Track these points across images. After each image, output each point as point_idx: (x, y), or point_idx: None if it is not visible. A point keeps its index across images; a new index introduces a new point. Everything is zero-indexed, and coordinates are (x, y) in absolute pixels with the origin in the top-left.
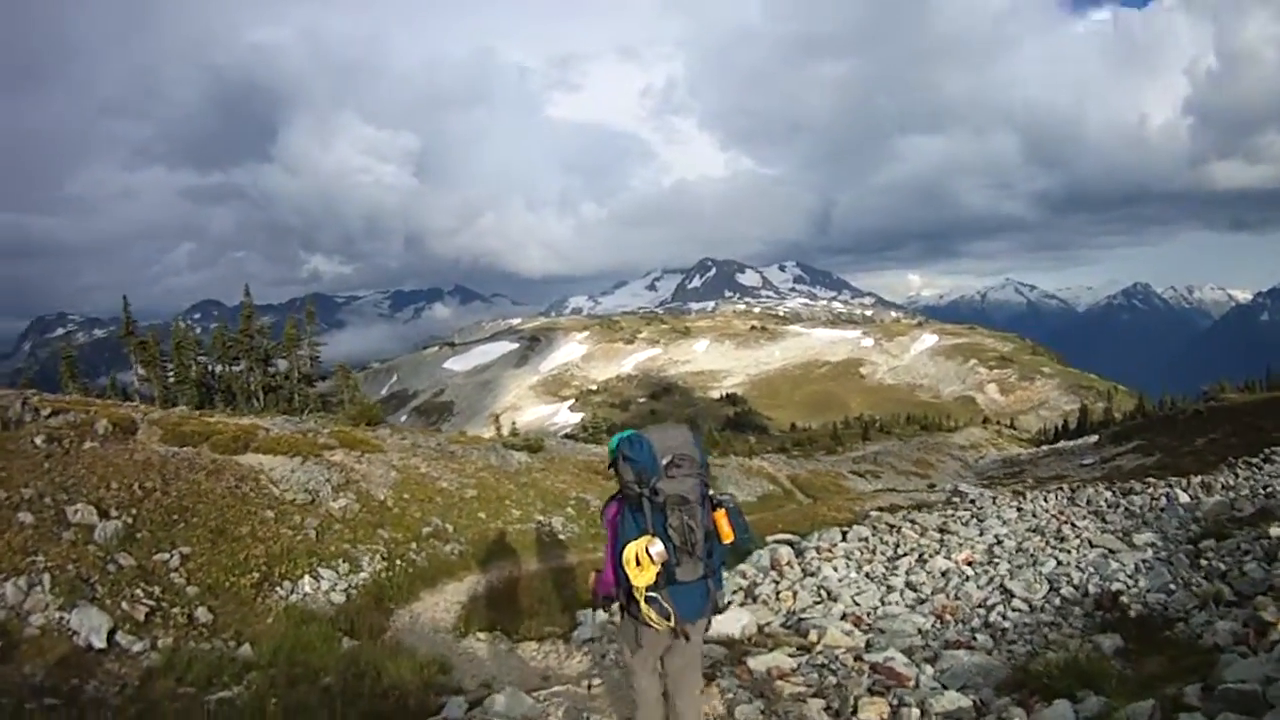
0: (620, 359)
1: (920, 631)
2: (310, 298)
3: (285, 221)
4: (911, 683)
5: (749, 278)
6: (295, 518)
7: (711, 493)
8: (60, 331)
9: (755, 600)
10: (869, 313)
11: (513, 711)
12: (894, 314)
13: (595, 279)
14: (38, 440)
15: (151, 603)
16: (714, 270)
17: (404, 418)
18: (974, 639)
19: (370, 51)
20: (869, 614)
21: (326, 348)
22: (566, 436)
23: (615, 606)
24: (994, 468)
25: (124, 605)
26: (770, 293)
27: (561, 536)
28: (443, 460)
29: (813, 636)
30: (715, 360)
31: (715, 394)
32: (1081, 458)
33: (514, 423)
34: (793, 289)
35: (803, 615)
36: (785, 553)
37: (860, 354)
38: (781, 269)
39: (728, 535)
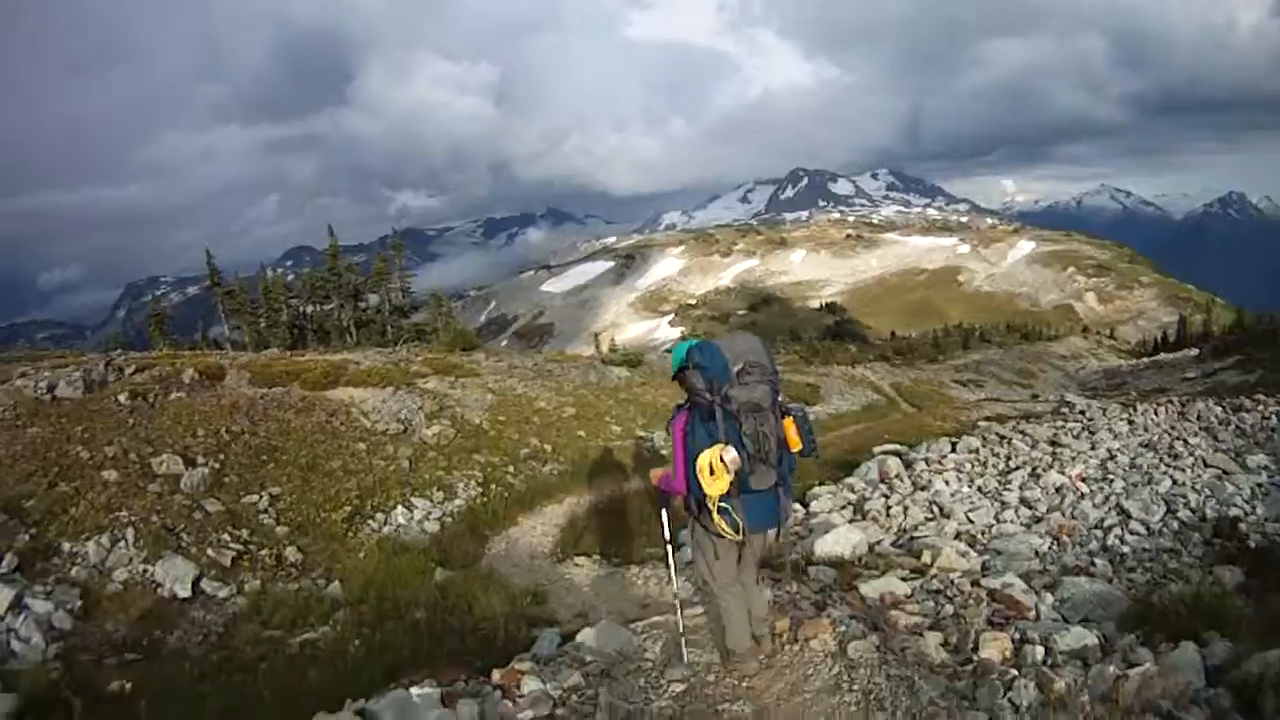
0: (718, 272)
1: (1037, 554)
2: (401, 233)
3: (368, 163)
4: (1031, 613)
5: (842, 187)
6: (388, 448)
7: (781, 399)
8: (152, 295)
9: (864, 516)
10: (964, 219)
11: (607, 646)
12: (990, 220)
13: (687, 194)
14: (121, 398)
15: (239, 546)
16: (806, 180)
17: (504, 342)
18: (1092, 564)
19: None
20: (983, 532)
21: (422, 279)
22: (667, 350)
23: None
24: (1095, 379)
25: (210, 552)
26: (864, 201)
27: (664, 452)
28: (540, 380)
29: (926, 557)
30: (812, 270)
31: (814, 304)
32: (1183, 371)
33: (614, 340)
34: (886, 197)
35: (914, 534)
36: (894, 464)
37: (957, 261)
38: (874, 177)
39: (795, 444)
